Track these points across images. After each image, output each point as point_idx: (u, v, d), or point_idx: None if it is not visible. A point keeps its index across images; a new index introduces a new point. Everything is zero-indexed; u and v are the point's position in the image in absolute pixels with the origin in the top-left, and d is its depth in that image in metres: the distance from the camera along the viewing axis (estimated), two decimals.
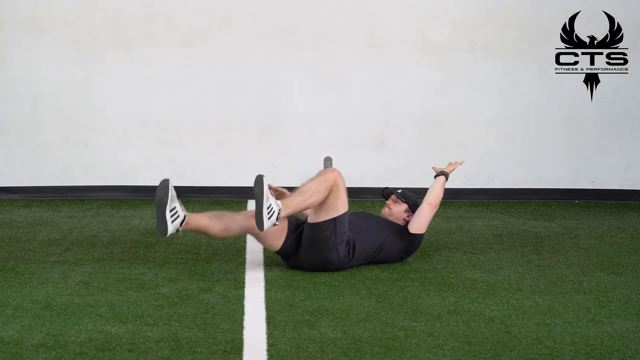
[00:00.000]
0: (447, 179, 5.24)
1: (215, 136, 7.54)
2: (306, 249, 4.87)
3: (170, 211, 4.56)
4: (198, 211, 4.91)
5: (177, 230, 4.63)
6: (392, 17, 7.47)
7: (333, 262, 4.86)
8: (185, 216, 4.65)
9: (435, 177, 5.27)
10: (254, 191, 4.57)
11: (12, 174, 7.46)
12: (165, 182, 4.57)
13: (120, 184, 7.51)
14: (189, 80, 7.48)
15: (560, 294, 4.54)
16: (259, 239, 4.92)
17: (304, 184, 4.89)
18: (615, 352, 3.65)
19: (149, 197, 7.44)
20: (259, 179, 4.57)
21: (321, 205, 4.82)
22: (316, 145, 7.55)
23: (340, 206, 4.83)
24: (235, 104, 7.52)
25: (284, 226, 4.91)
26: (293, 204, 4.72)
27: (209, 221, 4.77)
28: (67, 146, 7.45)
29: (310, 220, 4.88)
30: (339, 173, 4.84)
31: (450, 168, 5.34)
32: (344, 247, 4.86)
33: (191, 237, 5.80)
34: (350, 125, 7.57)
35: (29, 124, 7.41)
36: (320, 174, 4.85)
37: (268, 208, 4.57)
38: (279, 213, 4.61)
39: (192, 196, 7.46)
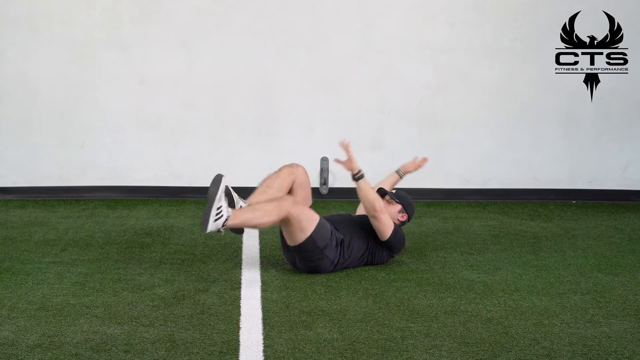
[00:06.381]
0: (361, 179, 4.90)
1: (211, 136, 7.52)
2: (300, 261, 4.89)
3: (217, 209, 4.52)
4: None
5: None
6: (389, 17, 7.45)
7: (327, 268, 4.88)
8: (228, 217, 4.58)
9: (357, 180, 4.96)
10: (209, 189, 4.52)
11: (7, 174, 7.44)
12: (218, 178, 4.53)
13: (116, 184, 7.48)
14: (185, 81, 7.45)
15: (557, 294, 4.53)
16: (284, 226, 4.82)
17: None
18: (612, 353, 3.64)
19: (145, 197, 7.42)
20: (217, 178, 4.53)
21: (290, 229, 4.77)
22: (313, 145, 7.53)
23: (308, 222, 4.77)
24: (231, 105, 7.50)
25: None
26: (242, 217, 4.64)
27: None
28: (63, 146, 7.43)
29: (290, 243, 4.86)
30: (292, 201, 4.77)
31: (412, 167, 5.48)
32: (334, 250, 4.86)
33: (187, 237, 5.79)
34: (347, 126, 7.55)
35: (25, 124, 7.39)
36: (277, 199, 4.75)
37: (218, 209, 4.53)
38: (226, 220, 4.56)
39: (188, 197, 7.44)
